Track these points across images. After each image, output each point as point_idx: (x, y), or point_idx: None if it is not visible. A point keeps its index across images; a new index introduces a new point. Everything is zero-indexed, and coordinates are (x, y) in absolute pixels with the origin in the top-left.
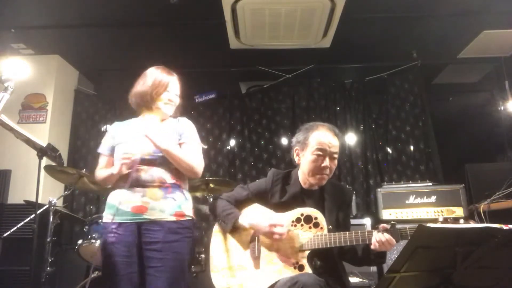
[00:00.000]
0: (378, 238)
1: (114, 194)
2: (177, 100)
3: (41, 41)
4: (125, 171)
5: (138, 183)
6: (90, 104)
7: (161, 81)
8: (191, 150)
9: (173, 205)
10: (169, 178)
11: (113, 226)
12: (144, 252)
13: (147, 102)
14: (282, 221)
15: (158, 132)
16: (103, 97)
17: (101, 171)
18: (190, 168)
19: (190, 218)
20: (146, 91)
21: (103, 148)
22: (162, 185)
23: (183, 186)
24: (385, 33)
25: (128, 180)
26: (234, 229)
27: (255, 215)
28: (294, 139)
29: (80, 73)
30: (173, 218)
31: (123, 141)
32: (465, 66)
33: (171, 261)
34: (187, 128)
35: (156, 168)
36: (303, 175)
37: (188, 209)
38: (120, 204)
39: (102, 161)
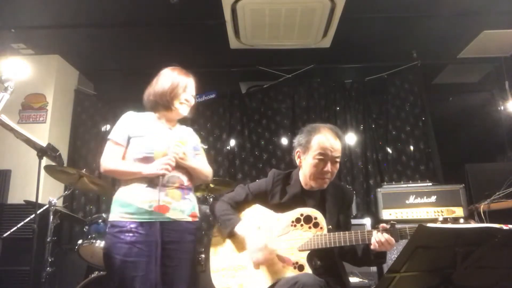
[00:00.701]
0: (377, 238)
1: (130, 192)
2: (193, 101)
3: (41, 41)
4: (154, 176)
5: (159, 183)
6: (90, 104)
7: (180, 83)
8: (204, 160)
9: (189, 206)
10: (186, 180)
11: (132, 225)
12: (163, 251)
13: (166, 102)
14: (275, 245)
15: (187, 149)
16: (103, 97)
17: (120, 163)
18: (206, 177)
19: (199, 219)
20: (164, 92)
21: (119, 136)
22: (180, 186)
23: (193, 188)
24: (385, 33)
25: (159, 180)
26: (231, 235)
27: (252, 228)
28: (295, 141)
29: (80, 73)
30: (190, 219)
31: (144, 135)
32: (465, 66)
33: (187, 260)
34: (197, 140)
35: (176, 170)
36: (304, 177)
37: (198, 211)
38: (140, 203)
39: (115, 150)
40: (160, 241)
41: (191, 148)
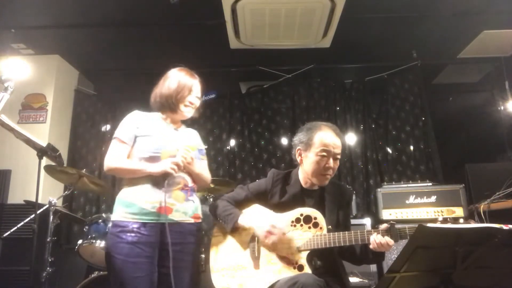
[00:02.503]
0: (377, 240)
1: (134, 193)
2: (198, 103)
3: (41, 41)
4: (160, 174)
5: (163, 183)
6: (90, 104)
7: (186, 84)
8: (206, 166)
9: (192, 208)
10: (190, 181)
11: (135, 226)
12: (165, 252)
13: (172, 104)
14: (281, 224)
15: (194, 155)
16: (103, 97)
17: (126, 162)
18: (206, 183)
19: (201, 220)
20: (171, 94)
21: (125, 135)
22: (184, 187)
23: (196, 189)
24: (385, 33)
25: (164, 181)
26: (234, 229)
27: (255, 216)
28: (296, 139)
29: (80, 73)
30: (192, 220)
31: (150, 135)
32: (465, 66)
33: (190, 262)
34: (202, 143)
35: (181, 171)
36: (305, 175)
37: (200, 212)
38: (144, 204)
39: (121, 148)
40: (160, 243)
41: (197, 153)
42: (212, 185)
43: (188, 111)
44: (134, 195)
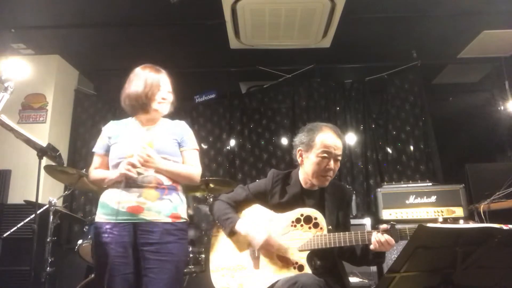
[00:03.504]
0: (377, 238)
1: (108, 194)
2: (170, 97)
3: (41, 41)
4: (120, 178)
5: (135, 183)
6: (90, 104)
7: (153, 81)
8: (190, 158)
9: (169, 207)
10: (166, 180)
11: (108, 226)
12: (140, 253)
13: (143, 104)
14: (279, 228)
15: (151, 152)
16: (103, 97)
17: (97, 172)
18: (189, 179)
19: (185, 220)
20: (139, 94)
21: (98, 147)
22: (158, 186)
23: (179, 188)
24: (385, 33)
25: (124, 180)
26: (232, 234)
27: (252, 223)
28: (297, 140)
29: (80, 73)
30: (169, 220)
31: (119, 142)
32: (465, 66)
33: (167, 262)
34: (187, 133)
35: (153, 170)
36: (305, 175)
37: (183, 212)
38: (115, 204)
39: (97, 160)
40: (134, 243)
41: (172, 144)
42: (212, 185)
43: (163, 107)
44: (108, 196)
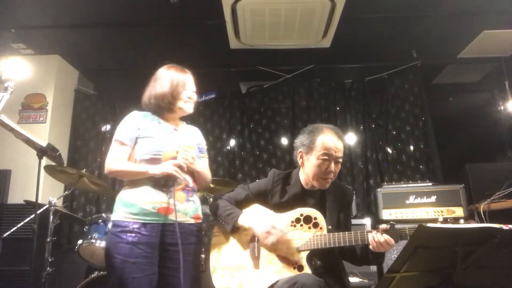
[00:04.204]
0: (376, 238)
1: (135, 193)
2: (195, 97)
3: (41, 41)
4: (161, 176)
5: (166, 184)
6: (90, 104)
7: (178, 81)
8: (206, 164)
9: (193, 208)
10: (191, 182)
11: (135, 226)
12: (166, 253)
13: (168, 104)
14: (281, 224)
15: (194, 154)
16: (103, 97)
17: (124, 163)
18: (207, 183)
19: (201, 221)
20: (165, 93)
21: (125, 137)
22: (185, 188)
23: (196, 189)
24: (385, 33)
25: (163, 180)
26: (234, 229)
27: (255, 216)
28: (298, 141)
29: (80, 73)
30: (193, 221)
31: (149, 136)
32: (465, 66)
33: (190, 263)
34: (203, 141)
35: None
36: (306, 177)
37: (201, 212)
38: (144, 204)
39: (122, 151)
40: (160, 243)
41: (197, 151)
42: (212, 185)
43: (188, 106)
44: (135, 195)
